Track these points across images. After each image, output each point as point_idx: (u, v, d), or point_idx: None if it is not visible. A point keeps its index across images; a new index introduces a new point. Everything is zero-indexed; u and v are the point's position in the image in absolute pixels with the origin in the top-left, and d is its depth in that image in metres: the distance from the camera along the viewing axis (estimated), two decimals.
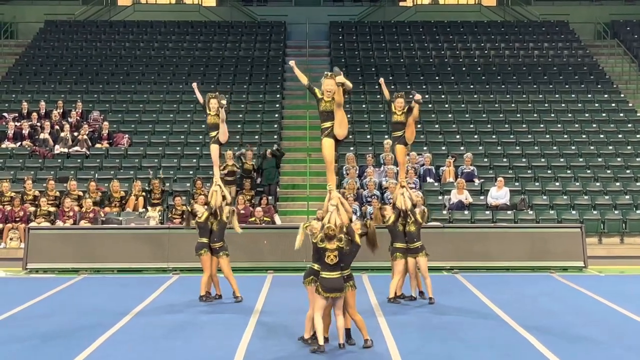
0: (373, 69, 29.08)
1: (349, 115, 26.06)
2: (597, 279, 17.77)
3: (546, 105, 26.85)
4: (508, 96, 27.42)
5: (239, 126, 25.68)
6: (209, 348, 11.25)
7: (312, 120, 26.39)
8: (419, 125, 25.43)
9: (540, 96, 27.37)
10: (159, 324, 12.89)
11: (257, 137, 24.97)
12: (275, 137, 25.28)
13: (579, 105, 26.87)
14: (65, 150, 24.11)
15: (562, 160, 23.88)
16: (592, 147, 24.47)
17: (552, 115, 26.29)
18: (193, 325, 12.80)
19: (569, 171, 23.38)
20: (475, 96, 27.41)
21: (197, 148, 24.66)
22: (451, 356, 10.76)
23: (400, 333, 11.89)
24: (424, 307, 14.23)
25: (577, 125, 25.70)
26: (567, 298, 15.41)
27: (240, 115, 26.37)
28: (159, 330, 12.45)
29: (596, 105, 26.92)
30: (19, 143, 24.47)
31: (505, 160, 23.91)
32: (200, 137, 25.08)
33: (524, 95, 27.42)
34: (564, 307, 14.29)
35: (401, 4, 34.72)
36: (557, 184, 22.76)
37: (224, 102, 14.68)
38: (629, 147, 24.59)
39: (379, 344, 11.18)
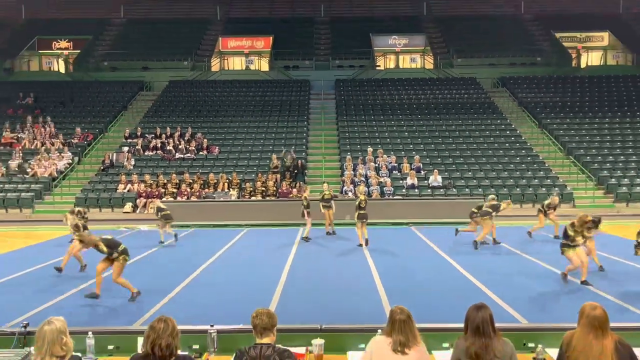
0: (361, 107, 29.04)
1: (347, 133, 26.45)
2: None
3: (463, 127, 26.75)
4: (441, 122, 27.34)
5: (282, 140, 25.74)
6: (272, 263, 11.52)
7: (326, 137, 26.50)
8: (387, 140, 25.56)
9: (459, 122, 27.27)
10: (239, 255, 13.13)
11: (293, 147, 24.95)
12: (304, 147, 25.27)
13: (482, 127, 26.76)
14: (182, 156, 24.30)
15: (472, 159, 23.85)
16: (490, 152, 24.42)
17: (467, 133, 26.20)
18: (260, 251, 13.01)
19: (476, 166, 23.35)
20: (422, 122, 27.32)
21: (258, 153, 24.73)
22: (407, 275, 10.78)
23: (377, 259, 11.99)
24: (397, 245, 14.33)
25: (481, 139, 25.61)
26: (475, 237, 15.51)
27: (283, 134, 26.41)
28: (239, 257, 12.69)
29: (492, 127, 26.81)
30: (155, 152, 24.68)
31: (439, 160, 23.86)
32: (260, 147, 25.20)
33: (450, 122, 27.32)
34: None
35: (377, 68, 34.58)
36: (470, 173, 22.74)
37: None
38: (512, 152, 24.51)
39: (364, 262, 11.32)
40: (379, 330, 4.37)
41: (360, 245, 13.77)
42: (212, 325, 4.89)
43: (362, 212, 13.89)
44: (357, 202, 14.13)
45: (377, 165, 22.72)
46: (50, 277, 10.68)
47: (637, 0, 38.06)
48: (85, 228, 11.69)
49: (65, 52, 34.90)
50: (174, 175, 21.90)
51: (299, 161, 23.03)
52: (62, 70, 33.97)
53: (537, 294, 9.08)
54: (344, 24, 36.61)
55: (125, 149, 24.60)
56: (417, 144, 25.25)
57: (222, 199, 20.35)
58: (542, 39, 35.15)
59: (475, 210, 14.14)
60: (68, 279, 10.39)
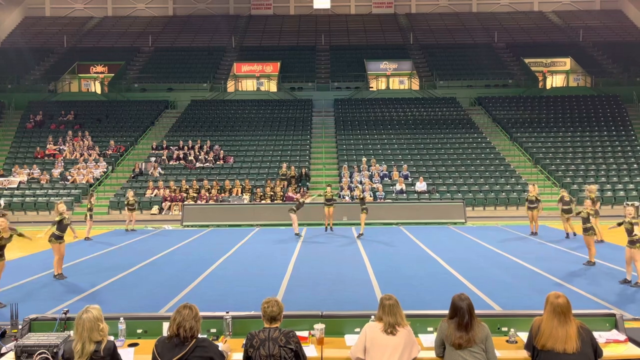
0: (357, 123, 29.01)
1: (344, 145, 26.43)
2: (471, 228, 17.69)
3: (444, 140, 26.68)
4: (425, 135, 27.29)
5: (288, 151, 25.70)
6: (279, 258, 11.36)
7: (326, 148, 26.47)
8: (379, 151, 25.51)
9: (441, 135, 27.22)
10: (250, 251, 13.04)
11: (297, 157, 24.99)
12: (307, 157, 25.23)
13: (461, 140, 26.68)
14: (201, 165, 24.25)
15: (453, 168, 23.78)
16: (468, 161, 24.36)
17: (447, 145, 26.13)
18: (269, 247, 12.95)
19: (456, 174, 23.26)
20: (409, 136, 27.28)
21: (267, 163, 24.65)
22: (397, 269, 10.73)
23: (370, 252, 11.89)
24: (384, 240, 14.27)
25: (460, 150, 25.54)
26: (456, 237, 15.39)
27: (289, 145, 26.37)
28: (250, 253, 12.58)
29: (470, 140, 26.74)
30: (178, 161, 24.65)
31: (424, 168, 23.79)
32: (269, 157, 25.13)
33: (433, 135, 27.27)
34: (455, 242, 14.34)
35: (370, 89, 34.60)
36: (451, 180, 22.66)
37: None
38: (487, 161, 24.46)
39: (359, 256, 11.23)
40: (372, 317, 4.38)
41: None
42: (227, 312, 4.88)
43: (364, 205, 15.39)
44: (360, 198, 15.86)
45: (370, 173, 22.71)
46: (88, 270, 10.67)
47: (594, 31, 38.28)
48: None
49: (101, 75, 35.03)
50: (195, 181, 21.87)
51: (303, 169, 23.02)
52: (98, 91, 34.04)
53: (509, 285, 9.05)
54: (342, 51, 36.77)
55: (153, 159, 24.59)
56: (405, 155, 25.22)
57: (236, 203, 20.33)
58: (512, 64, 35.22)
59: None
60: (101, 271, 10.38)
